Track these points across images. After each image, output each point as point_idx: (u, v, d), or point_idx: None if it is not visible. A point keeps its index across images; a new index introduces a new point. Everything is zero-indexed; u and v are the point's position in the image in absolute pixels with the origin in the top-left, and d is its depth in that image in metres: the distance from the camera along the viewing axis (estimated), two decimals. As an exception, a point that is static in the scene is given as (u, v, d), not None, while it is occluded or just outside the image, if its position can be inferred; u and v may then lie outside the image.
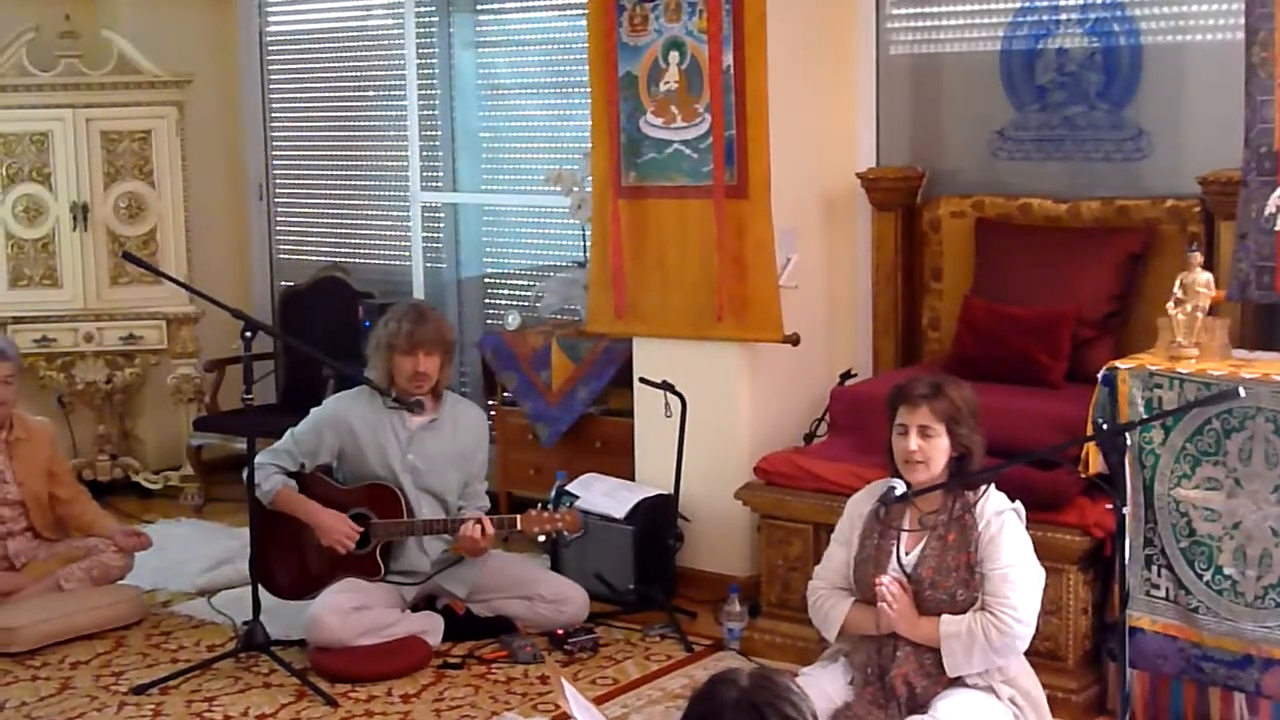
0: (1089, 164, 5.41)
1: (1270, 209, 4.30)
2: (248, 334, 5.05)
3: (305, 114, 7.93)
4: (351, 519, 5.17)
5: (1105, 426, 4.06)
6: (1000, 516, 4.00)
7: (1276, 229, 4.34)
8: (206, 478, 7.23)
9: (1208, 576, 4.31)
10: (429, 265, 7.36)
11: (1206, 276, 4.45)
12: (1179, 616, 4.37)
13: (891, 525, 4.08)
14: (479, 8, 7.24)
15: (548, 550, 5.79)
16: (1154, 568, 4.37)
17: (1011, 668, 4.03)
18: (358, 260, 7.67)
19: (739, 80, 5.36)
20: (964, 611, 3.96)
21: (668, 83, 5.54)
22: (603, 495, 5.65)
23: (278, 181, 8.02)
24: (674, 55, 5.52)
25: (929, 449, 3.99)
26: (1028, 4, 5.51)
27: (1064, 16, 5.43)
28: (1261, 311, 4.78)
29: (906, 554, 4.06)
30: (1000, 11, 5.59)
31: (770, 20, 5.30)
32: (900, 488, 4.00)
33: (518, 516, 5.21)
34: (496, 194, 7.28)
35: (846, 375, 5.67)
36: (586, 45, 5.79)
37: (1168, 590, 4.38)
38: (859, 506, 4.21)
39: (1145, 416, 4.27)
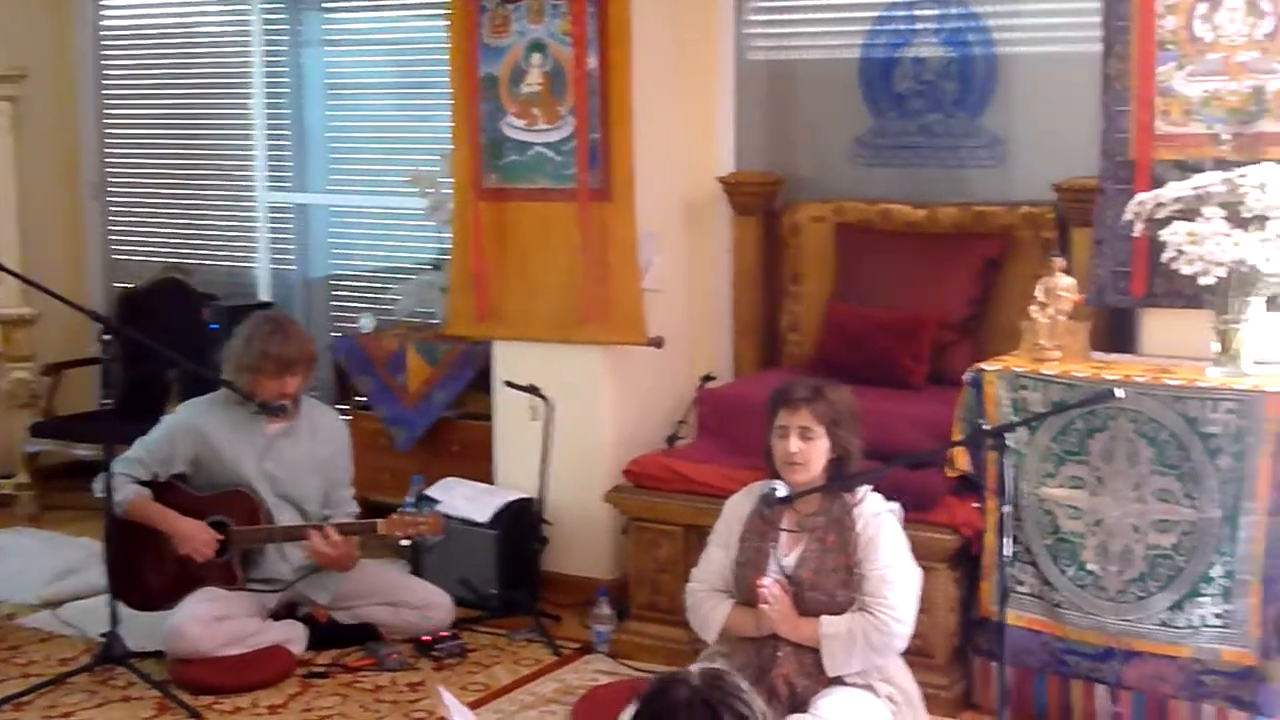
0: (946, 171, 5.54)
1: (1128, 215, 4.43)
2: (106, 337, 4.88)
3: (144, 111, 7.74)
4: (209, 526, 5.05)
5: (985, 428, 4.15)
6: (878, 518, 4.07)
7: (1133, 235, 4.47)
8: (43, 485, 6.99)
9: (1071, 572, 4.43)
10: (274, 266, 7.22)
11: (1068, 281, 4.58)
12: (1043, 612, 4.48)
13: (771, 527, 4.12)
14: (326, 6, 7.14)
15: (409, 556, 5.72)
16: (1019, 564, 4.47)
17: (889, 666, 4.10)
18: (199, 261, 7.50)
19: (603, 83, 5.36)
20: (843, 612, 4.02)
21: (530, 85, 5.52)
22: (465, 499, 5.60)
23: (114, 180, 7.82)
24: (536, 57, 5.50)
25: (809, 451, 4.04)
26: (886, 13, 5.62)
27: (921, 26, 5.55)
28: (1116, 315, 4.93)
29: (786, 556, 4.10)
30: (858, 20, 5.69)
31: (633, 24, 5.31)
32: (782, 489, 4.04)
33: (379, 521, 5.13)
34: (345, 194, 7.18)
35: (707, 378, 5.71)
36: (441, 45, 5.75)
37: (1032, 586, 4.49)
38: (738, 509, 4.25)
39: (1019, 418, 4.37)
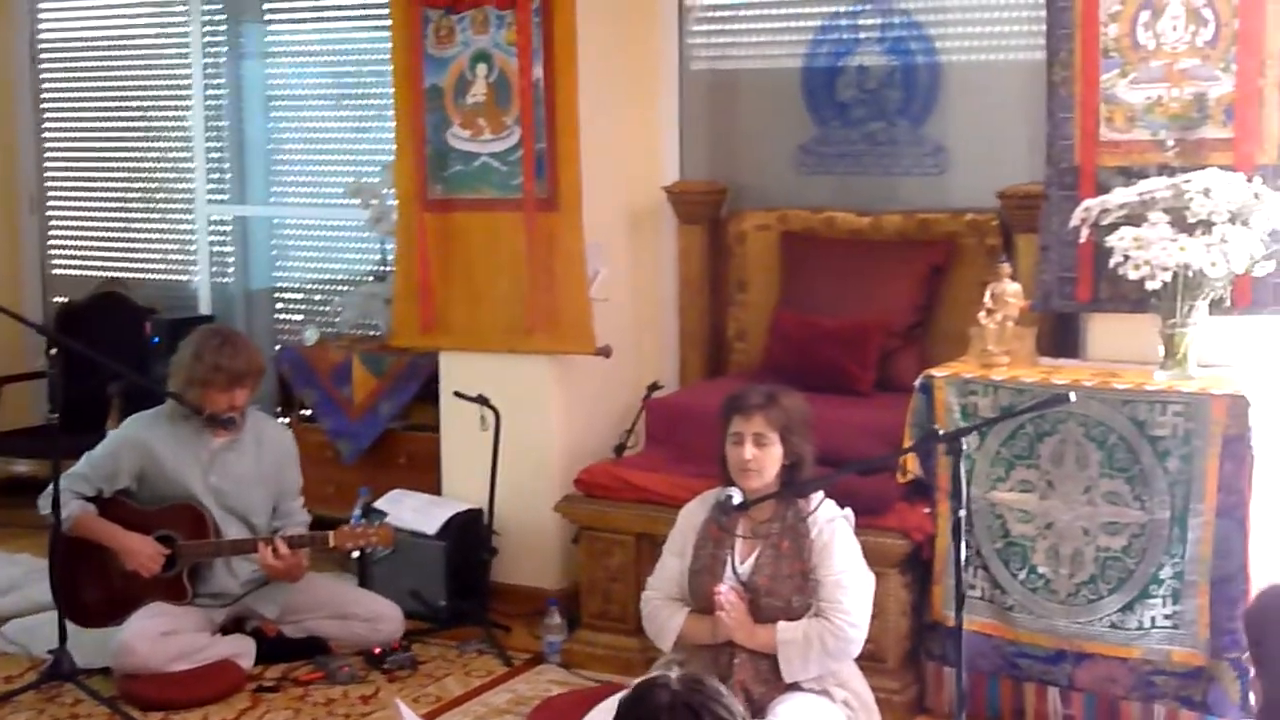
0: (890, 179, 5.58)
1: (1074, 221, 4.48)
2: (53, 351, 4.83)
3: (81, 124, 7.68)
4: (156, 541, 4.99)
5: (942, 433, 4.18)
6: (832, 524, 4.09)
7: (1079, 241, 4.52)
8: (-20, 502, 6.90)
9: (1022, 576, 4.47)
10: (215, 279, 7.17)
11: (1015, 287, 4.64)
12: (995, 615, 4.52)
13: (726, 534, 4.13)
14: (267, 18, 7.10)
15: (355, 569, 5.68)
16: (970, 569, 4.50)
17: (844, 671, 4.12)
18: (139, 274, 7.44)
19: (549, 93, 5.36)
20: (799, 618, 4.04)
21: (475, 95, 5.52)
22: (412, 511, 5.57)
23: (51, 193, 7.74)
24: (481, 68, 5.49)
25: (763, 457, 4.06)
26: (828, 23, 5.66)
27: (864, 35, 5.60)
28: (1061, 320, 4.99)
29: (741, 563, 4.11)
30: (801, 30, 5.72)
31: (578, 34, 5.31)
32: (738, 496, 4.05)
33: (330, 533, 5.09)
34: (287, 206, 7.14)
35: (654, 387, 5.70)
36: (382, 57, 5.72)
37: (983, 590, 4.53)
38: (692, 517, 4.25)
39: (967, 423, 4.41)
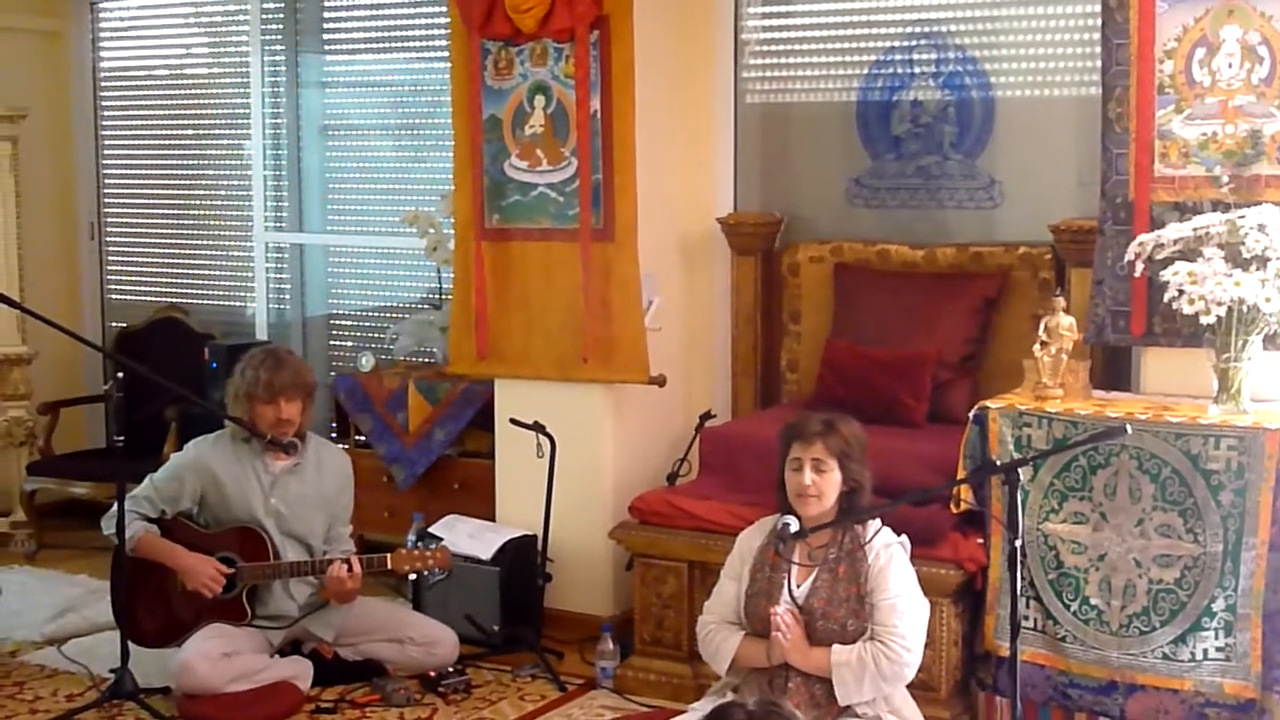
0: (943, 212, 5.63)
1: (1129, 256, 4.51)
2: (118, 375, 4.92)
3: (140, 151, 7.80)
4: (217, 562, 5.07)
5: (999, 464, 4.21)
6: (889, 549, 4.14)
7: (1133, 275, 4.55)
8: (39, 523, 6.98)
9: (1075, 607, 4.49)
10: (273, 305, 7.27)
11: (1069, 320, 4.66)
12: (1047, 645, 4.54)
13: (783, 559, 4.17)
14: (327, 49, 7.21)
15: (410, 593, 5.74)
16: (1023, 599, 4.53)
17: (896, 698, 4.16)
18: (196, 300, 7.54)
19: (606, 125, 5.43)
20: (854, 642, 4.08)
21: (533, 126, 5.58)
22: (467, 537, 5.63)
23: (110, 220, 7.86)
24: (539, 99, 5.57)
25: (822, 483, 4.11)
26: (883, 57, 5.71)
27: (919, 70, 5.65)
28: (1112, 354, 5.02)
29: (797, 586, 4.16)
30: (856, 64, 5.78)
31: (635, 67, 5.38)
32: (795, 524, 4.10)
33: (388, 555, 5.16)
34: (343, 234, 7.23)
35: (706, 416, 5.75)
36: (438, 87, 5.78)
37: (1036, 621, 4.56)
38: (750, 541, 4.31)
39: (1028, 454, 4.45)
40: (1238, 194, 4.53)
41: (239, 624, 5.06)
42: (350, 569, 5.04)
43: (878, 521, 4.18)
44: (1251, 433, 4.25)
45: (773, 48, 5.96)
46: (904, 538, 4.20)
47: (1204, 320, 4.30)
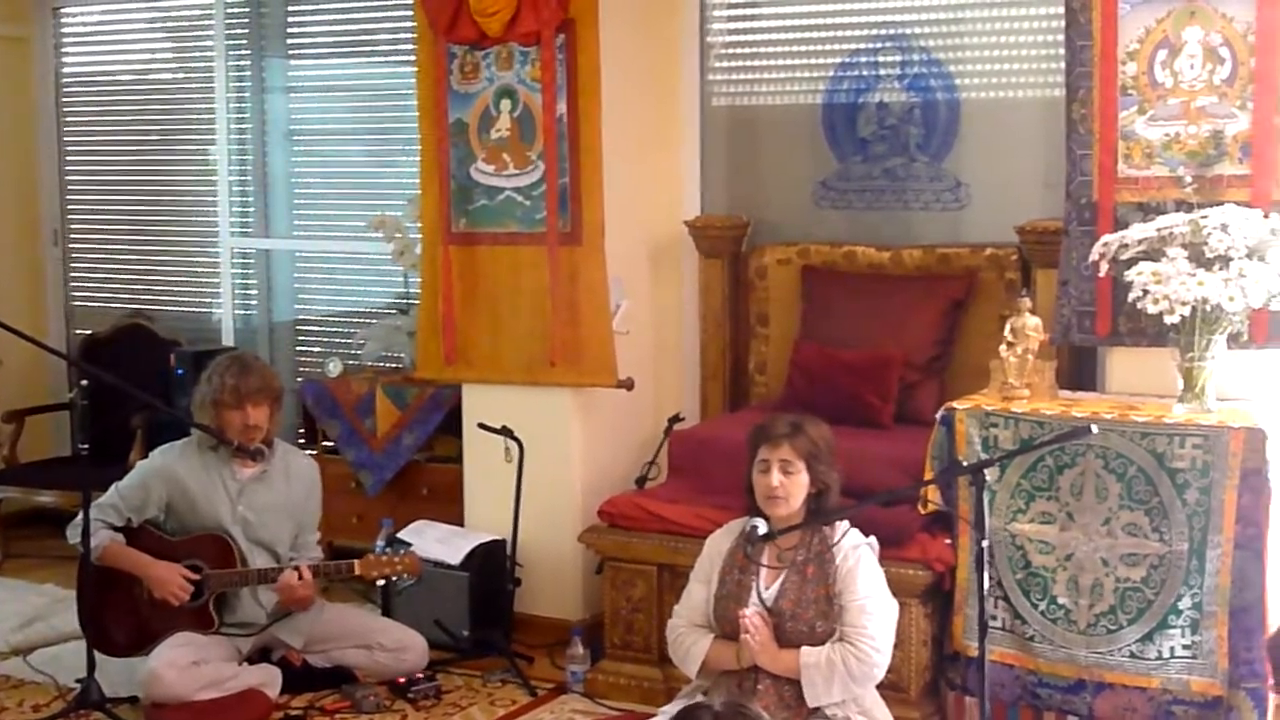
0: (910, 214, 5.64)
1: (1094, 256, 4.53)
2: (83, 382, 4.89)
3: (105, 157, 7.75)
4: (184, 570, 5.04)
5: (966, 464, 4.22)
6: (857, 550, 4.15)
7: (1098, 276, 4.57)
8: (5, 533, 6.93)
9: (1043, 606, 4.51)
10: (239, 311, 7.25)
11: (1035, 321, 4.68)
12: (1015, 645, 4.56)
13: (751, 561, 4.17)
14: (292, 54, 7.18)
15: (378, 599, 5.73)
16: (991, 599, 4.54)
17: (866, 699, 4.17)
18: (162, 307, 7.51)
19: (572, 128, 5.42)
20: (823, 643, 4.08)
21: (499, 130, 5.58)
22: (436, 542, 5.61)
23: (74, 226, 7.82)
24: (506, 103, 5.56)
25: (790, 485, 4.12)
26: (849, 60, 5.73)
27: (884, 72, 5.66)
28: (1078, 354, 5.05)
29: (766, 588, 4.16)
30: (821, 67, 5.79)
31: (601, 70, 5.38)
32: (763, 526, 4.11)
33: (356, 561, 5.15)
34: (310, 239, 7.21)
35: (675, 419, 5.75)
36: (404, 91, 5.77)
37: (1004, 620, 4.57)
38: (718, 544, 4.31)
39: (995, 455, 4.46)
40: (1201, 194, 4.55)
41: (207, 632, 5.03)
42: (301, 576, 5.01)
43: (846, 523, 4.19)
44: (1216, 431, 4.28)
45: (739, 50, 5.97)
46: (872, 539, 4.21)
47: (1168, 320, 4.31)
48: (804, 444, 4.13)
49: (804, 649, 4.07)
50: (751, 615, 4.08)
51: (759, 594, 4.15)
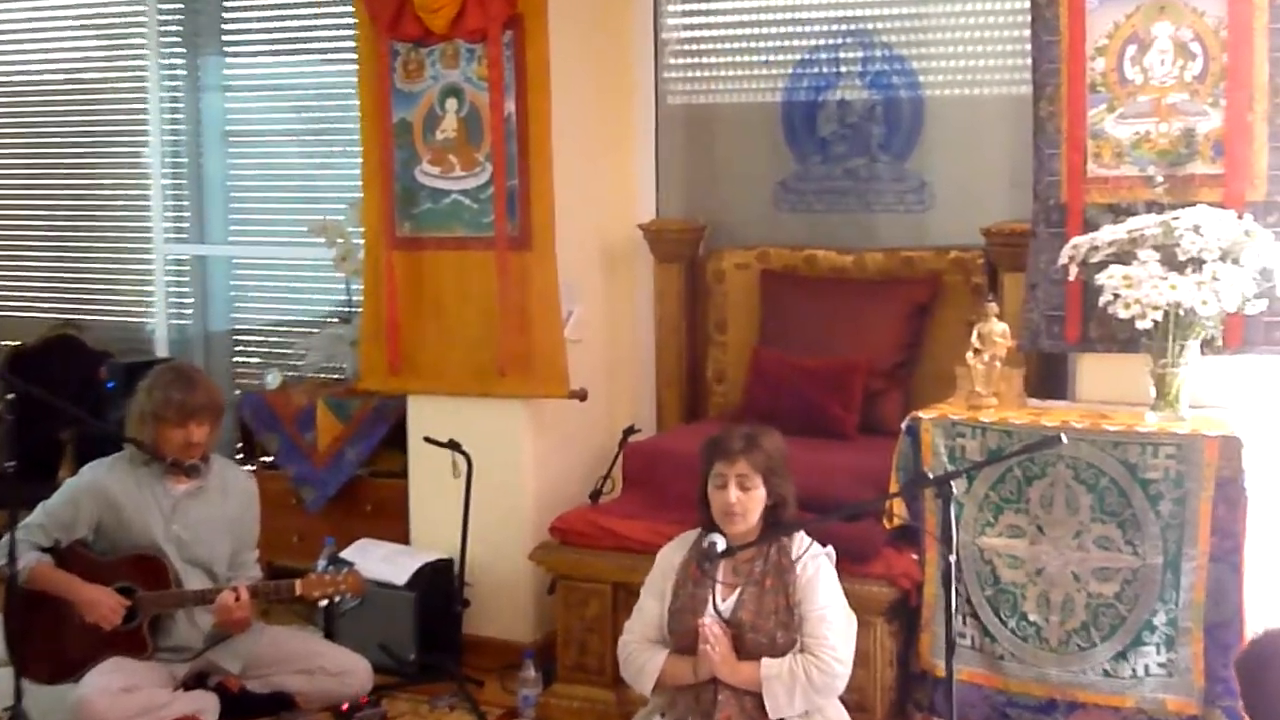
0: (872, 215, 5.55)
1: (1063, 259, 4.40)
2: (11, 395, 4.68)
3: (32, 160, 7.59)
4: (116, 593, 4.83)
5: (933, 476, 4.09)
6: (816, 560, 4.05)
7: (1067, 279, 4.44)
8: (-73, 554, 6.69)
9: (1012, 623, 4.38)
10: (173, 320, 7.08)
11: (1002, 327, 4.57)
12: (984, 664, 4.44)
13: (708, 577, 4.03)
14: (227, 50, 7.03)
15: (320, 622, 5.54)
16: (959, 616, 4.40)
17: (829, 710, 4.05)
18: (92, 316, 7.35)
19: (521, 128, 5.28)
20: (783, 654, 3.96)
21: (445, 131, 5.43)
22: (381, 561, 5.45)
23: (0, 233, 7.63)
24: (451, 102, 5.41)
25: (748, 500, 4.00)
26: (808, 56, 5.62)
27: (845, 69, 5.57)
28: (1048, 360, 4.92)
29: (723, 601, 4.03)
30: (780, 63, 5.68)
31: (551, 68, 5.23)
32: (721, 543, 3.96)
33: (296, 581, 4.94)
34: (248, 245, 7.07)
35: (630, 430, 5.60)
36: (346, 91, 5.65)
37: (973, 639, 4.45)
38: (671, 557, 4.19)
39: (962, 466, 4.34)
40: (1172, 194, 4.45)
41: (140, 657, 4.81)
42: (238, 597, 4.81)
43: (802, 533, 4.05)
44: (1190, 440, 4.16)
45: (694, 46, 5.87)
46: (829, 548, 4.10)
47: (1140, 325, 4.21)
48: (760, 459, 4.00)
49: (765, 660, 3.96)
50: (711, 624, 3.95)
51: (715, 607, 4.01)
